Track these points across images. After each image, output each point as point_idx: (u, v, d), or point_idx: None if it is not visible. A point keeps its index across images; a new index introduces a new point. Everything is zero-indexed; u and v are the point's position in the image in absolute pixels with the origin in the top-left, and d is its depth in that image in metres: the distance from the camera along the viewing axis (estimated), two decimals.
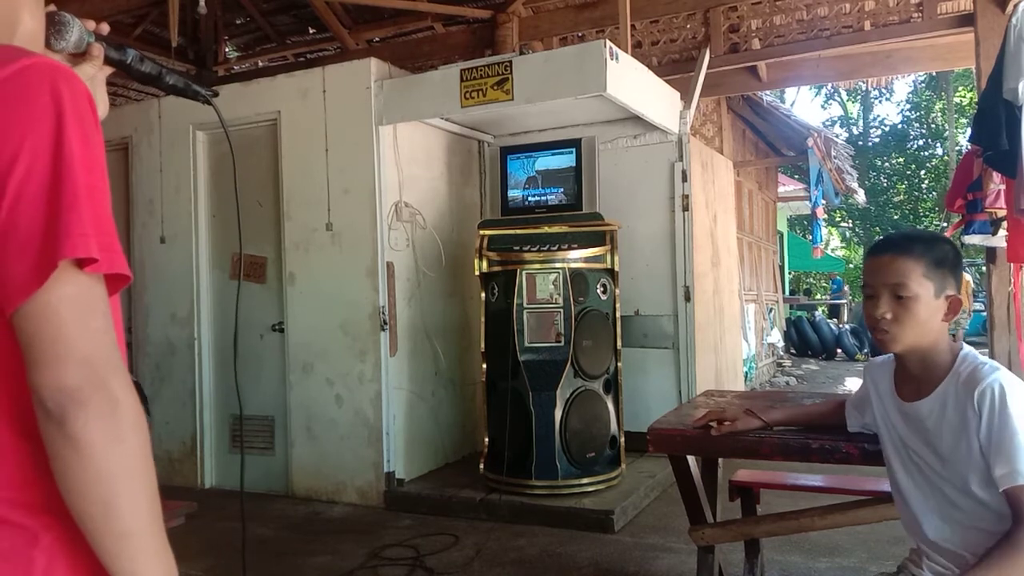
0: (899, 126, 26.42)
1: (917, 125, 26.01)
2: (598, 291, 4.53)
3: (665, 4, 6.18)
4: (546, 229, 4.58)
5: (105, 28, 1.10)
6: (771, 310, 12.35)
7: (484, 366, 4.67)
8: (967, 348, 1.79)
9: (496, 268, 4.58)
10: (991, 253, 4.71)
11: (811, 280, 21.52)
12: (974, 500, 1.70)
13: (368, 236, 4.71)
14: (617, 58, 4.34)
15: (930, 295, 1.73)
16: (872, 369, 2.02)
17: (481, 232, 4.69)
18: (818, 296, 20.97)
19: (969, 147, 4.72)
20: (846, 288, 18.59)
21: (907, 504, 1.86)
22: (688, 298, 5.23)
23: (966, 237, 4.57)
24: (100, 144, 0.86)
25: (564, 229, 4.56)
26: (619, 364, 4.66)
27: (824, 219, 12.68)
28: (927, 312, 1.73)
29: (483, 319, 4.67)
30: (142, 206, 5.51)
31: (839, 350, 13.98)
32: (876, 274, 1.78)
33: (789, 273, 16.53)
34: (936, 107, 25.01)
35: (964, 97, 22.88)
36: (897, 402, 1.87)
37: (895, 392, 1.88)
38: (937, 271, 1.73)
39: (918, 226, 25.24)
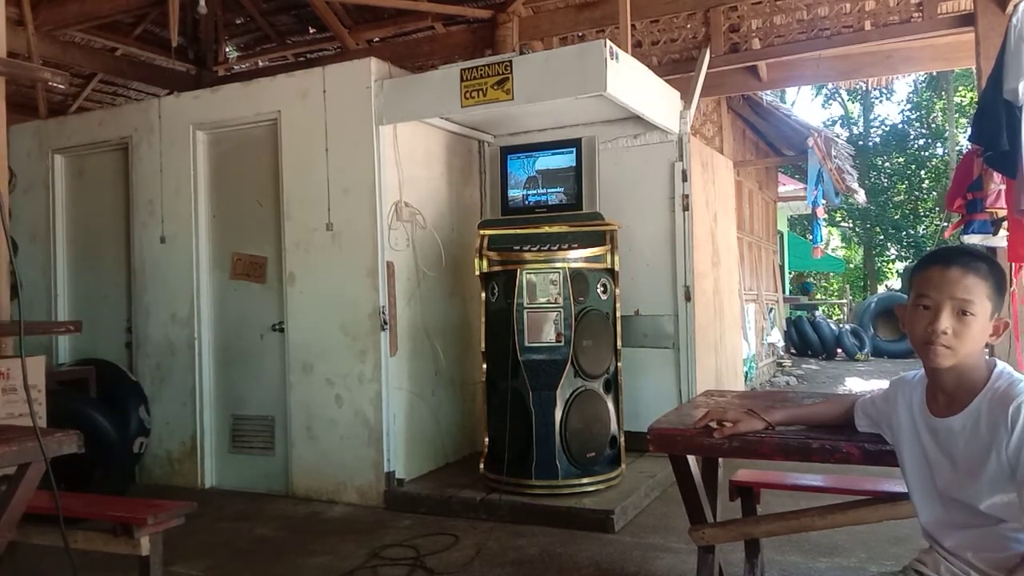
0: (899, 126, 26.40)
1: (917, 125, 26.00)
2: (598, 291, 4.53)
3: (665, 4, 6.18)
4: (546, 229, 4.58)
5: None
6: (771, 310, 12.35)
7: (484, 366, 4.67)
8: (1002, 364, 1.78)
9: (496, 268, 4.58)
10: (991, 253, 4.71)
11: (811, 280, 21.54)
12: (993, 516, 1.70)
13: (368, 236, 4.71)
14: (617, 58, 4.34)
15: (986, 316, 1.73)
16: (903, 385, 1.98)
17: (481, 232, 4.69)
18: (818, 296, 20.96)
19: (969, 147, 4.72)
20: (844, 292, 18.57)
21: (925, 515, 1.87)
22: (688, 298, 5.23)
23: (966, 237, 4.57)
24: None
25: (564, 229, 4.55)
26: (619, 364, 4.66)
27: (824, 219, 12.67)
28: (982, 332, 1.73)
29: (483, 319, 4.67)
30: (142, 206, 5.50)
31: (839, 350, 13.99)
32: (942, 288, 1.72)
33: (789, 273, 16.53)
34: (936, 107, 25.00)
35: (964, 97, 22.87)
36: (927, 416, 1.85)
37: (926, 407, 1.86)
38: (997, 295, 1.74)
39: (919, 226, 25.26)
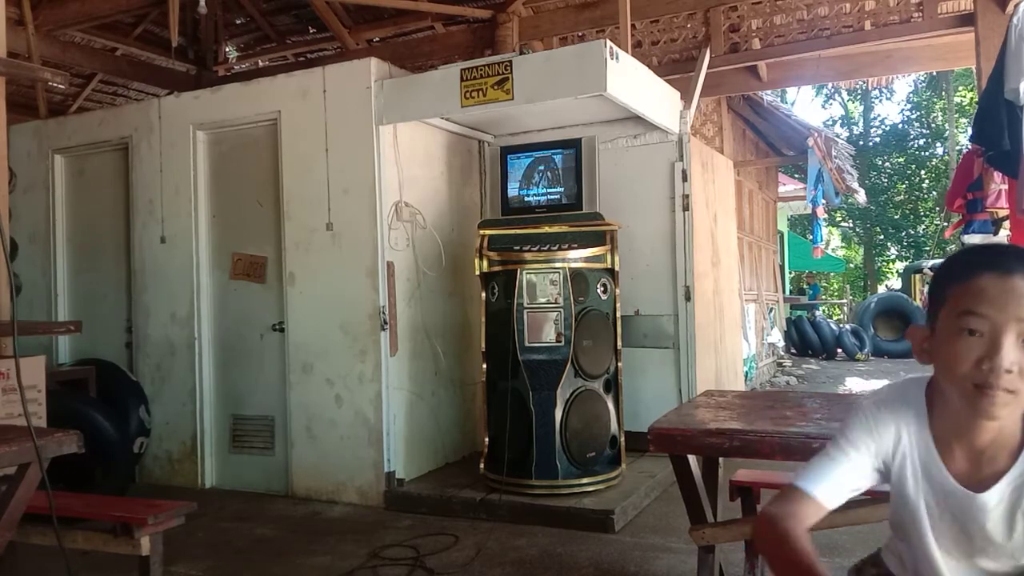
0: (899, 126, 26.44)
1: (917, 125, 26.04)
2: (598, 291, 4.53)
3: (665, 4, 6.18)
4: (546, 229, 4.58)
5: None
6: (771, 310, 12.35)
7: (484, 366, 4.67)
8: None
9: (496, 268, 4.58)
10: None
11: (819, 283, 21.59)
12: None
13: (368, 236, 4.71)
14: (617, 58, 4.34)
15: None
16: (889, 407, 1.39)
17: (481, 232, 4.69)
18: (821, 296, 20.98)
19: (969, 147, 4.72)
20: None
21: (926, 560, 1.41)
22: (688, 298, 5.22)
23: (966, 237, 4.58)
24: None
25: (564, 229, 4.55)
26: (619, 364, 4.66)
27: (824, 219, 12.68)
28: None
29: (483, 319, 4.67)
30: (142, 206, 5.50)
31: (839, 350, 13.99)
32: (1004, 305, 1.18)
33: (790, 272, 16.53)
34: (936, 107, 25.03)
35: (964, 97, 22.90)
36: (944, 477, 1.34)
37: (938, 457, 1.35)
38: None
39: (919, 226, 25.26)
